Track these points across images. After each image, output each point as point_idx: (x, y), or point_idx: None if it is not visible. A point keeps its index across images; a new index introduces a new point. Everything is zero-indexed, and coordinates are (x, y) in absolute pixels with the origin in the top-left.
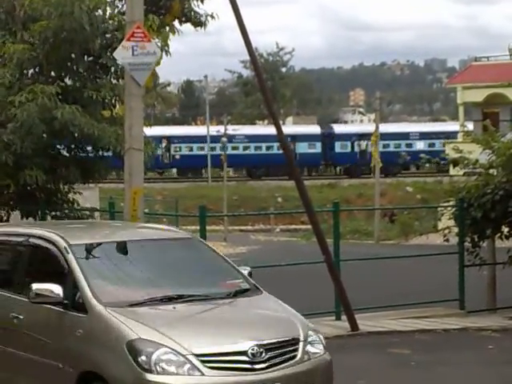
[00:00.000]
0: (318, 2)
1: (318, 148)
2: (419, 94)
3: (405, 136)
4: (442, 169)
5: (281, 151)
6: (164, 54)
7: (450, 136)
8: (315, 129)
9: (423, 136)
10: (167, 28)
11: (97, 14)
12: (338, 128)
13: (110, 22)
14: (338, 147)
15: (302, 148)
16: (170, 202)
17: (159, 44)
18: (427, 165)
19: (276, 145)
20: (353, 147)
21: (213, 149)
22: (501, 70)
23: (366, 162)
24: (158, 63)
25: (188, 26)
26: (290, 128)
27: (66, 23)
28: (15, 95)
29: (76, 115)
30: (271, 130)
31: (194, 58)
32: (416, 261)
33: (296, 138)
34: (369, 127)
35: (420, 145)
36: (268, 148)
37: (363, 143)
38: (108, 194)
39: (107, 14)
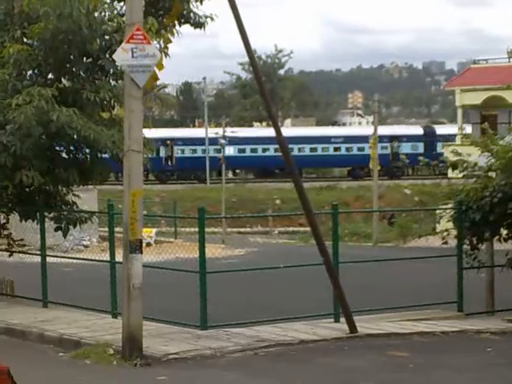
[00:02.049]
0: (315, 5)
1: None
2: (417, 96)
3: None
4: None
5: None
6: (163, 56)
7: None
8: None
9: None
10: (166, 29)
11: (96, 15)
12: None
13: (109, 23)
14: None
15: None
16: (169, 203)
17: (159, 45)
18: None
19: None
20: (158, 153)
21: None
22: (499, 72)
23: (172, 168)
24: (161, 66)
25: (185, 28)
26: None
27: (64, 24)
28: (13, 97)
29: (73, 118)
30: None
31: (191, 61)
32: (414, 263)
33: None
34: (175, 132)
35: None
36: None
37: (173, 148)
38: (107, 196)
39: (106, 15)
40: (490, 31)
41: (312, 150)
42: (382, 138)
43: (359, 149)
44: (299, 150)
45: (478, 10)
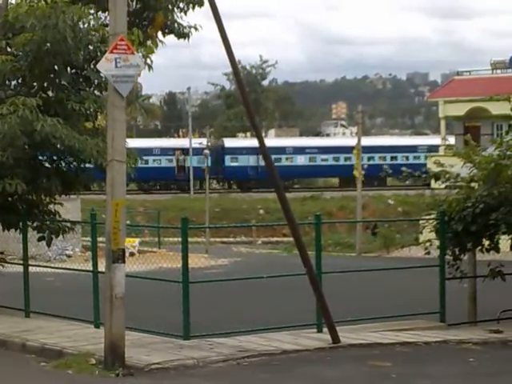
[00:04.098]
0: (294, 17)
1: None
2: (401, 107)
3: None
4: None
5: None
6: (147, 67)
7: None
8: None
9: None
10: (150, 41)
11: (80, 26)
12: None
13: (94, 34)
14: None
15: None
16: (152, 213)
17: (142, 54)
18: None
19: None
20: None
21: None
22: (482, 84)
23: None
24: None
25: (169, 38)
26: None
27: (49, 35)
28: None
29: (57, 128)
30: None
31: (175, 71)
32: (397, 273)
33: None
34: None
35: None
36: None
37: None
38: (90, 206)
39: (91, 26)
40: (473, 43)
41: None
42: (167, 151)
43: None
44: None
45: (461, 23)
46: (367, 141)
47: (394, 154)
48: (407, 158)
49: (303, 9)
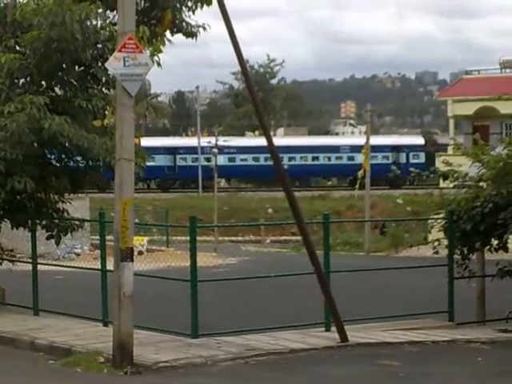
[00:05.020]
0: (301, 16)
1: None
2: (410, 106)
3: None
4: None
5: None
6: (156, 65)
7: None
8: None
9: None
10: (157, 39)
11: (88, 24)
12: None
13: (102, 32)
14: None
15: None
16: (161, 212)
17: (150, 52)
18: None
19: None
20: None
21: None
22: (491, 83)
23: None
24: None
25: (177, 37)
26: None
27: (56, 33)
28: (5, 105)
29: (64, 126)
30: None
31: (183, 69)
32: (406, 273)
33: None
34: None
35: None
36: None
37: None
38: (99, 204)
39: (98, 24)
40: (482, 42)
41: None
42: None
43: None
44: None
45: (470, 22)
46: (288, 141)
47: (315, 154)
48: (329, 158)
49: (311, 7)
